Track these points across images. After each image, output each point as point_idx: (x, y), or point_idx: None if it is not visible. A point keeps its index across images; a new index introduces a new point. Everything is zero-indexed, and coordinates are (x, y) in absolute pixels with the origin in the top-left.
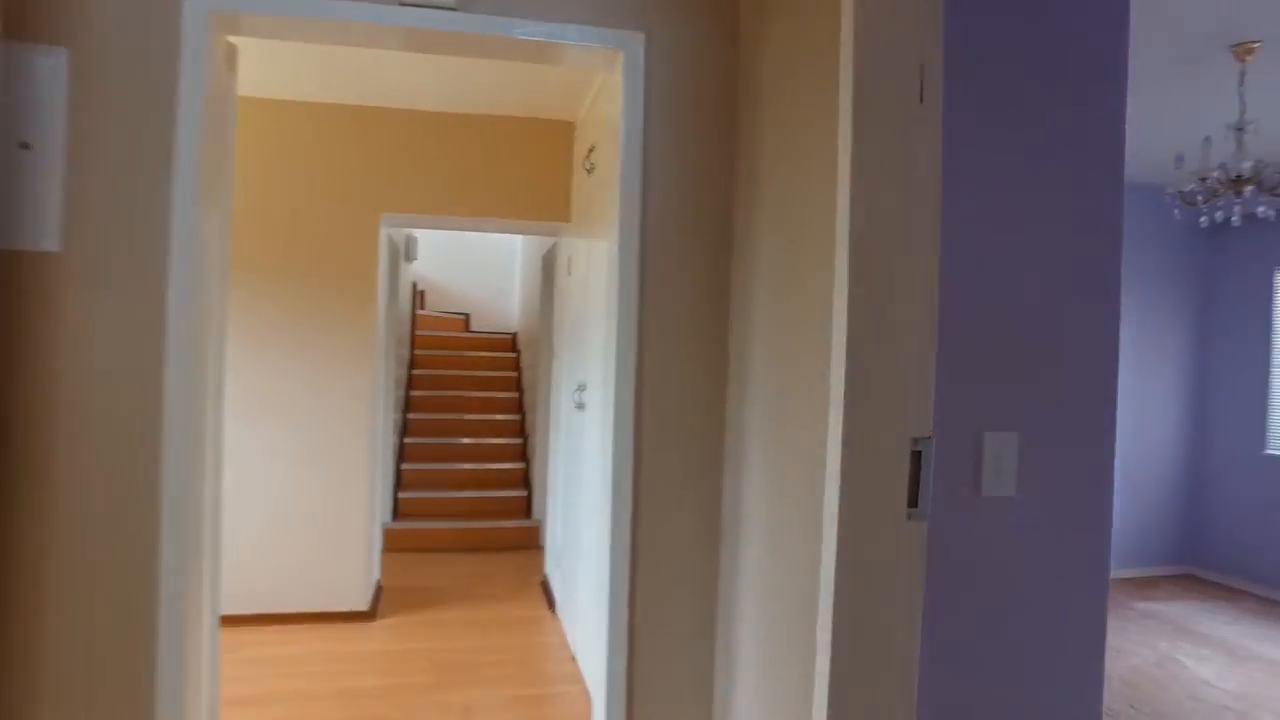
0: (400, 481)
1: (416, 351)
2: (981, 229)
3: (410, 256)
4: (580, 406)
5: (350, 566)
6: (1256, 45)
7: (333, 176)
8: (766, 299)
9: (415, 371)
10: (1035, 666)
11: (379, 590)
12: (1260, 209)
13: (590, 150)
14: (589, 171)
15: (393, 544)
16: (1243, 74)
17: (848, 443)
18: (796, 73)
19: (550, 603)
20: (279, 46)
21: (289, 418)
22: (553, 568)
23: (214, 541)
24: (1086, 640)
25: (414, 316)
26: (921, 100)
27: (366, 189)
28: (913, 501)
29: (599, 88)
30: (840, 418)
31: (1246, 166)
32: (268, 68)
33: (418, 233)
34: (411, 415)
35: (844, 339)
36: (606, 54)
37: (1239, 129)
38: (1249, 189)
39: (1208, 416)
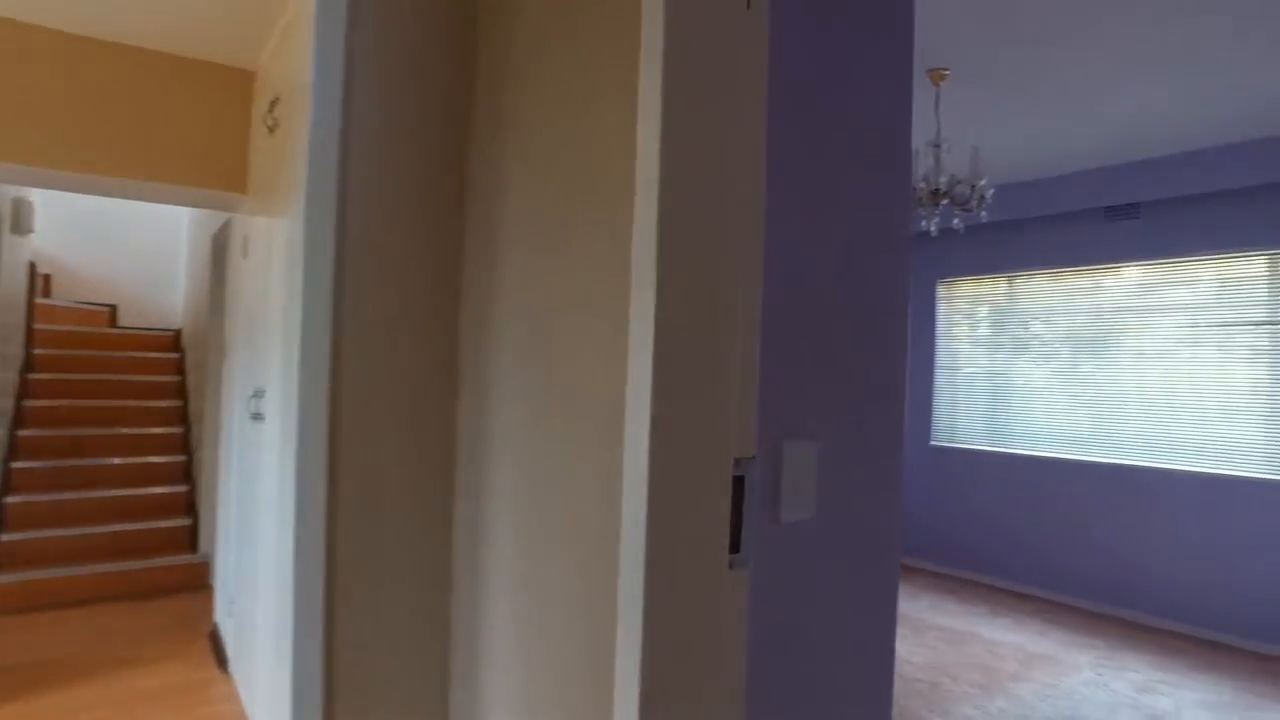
0: (4, 520)
1: (36, 351)
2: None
3: (23, 228)
4: (257, 416)
5: None
6: (947, 72)
7: None
8: (520, 273)
9: (33, 376)
10: (835, 702)
11: None
12: (955, 221)
13: (273, 104)
14: (271, 130)
15: None
16: (938, 97)
17: (657, 469)
18: None
19: (221, 659)
20: None
21: None
22: (224, 614)
23: None
24: (879, 665)
25: (31, 306)
26: (749, 6)
27: None
28: (734, 545)
29: (286, 26)
30: (645, 435)
31: (943, 181)
32: None
33: (37, 198)
34: (25, 432)
35: (650, 325)
36: None
37: (936, 146)
38: (944, 202)
39: None
